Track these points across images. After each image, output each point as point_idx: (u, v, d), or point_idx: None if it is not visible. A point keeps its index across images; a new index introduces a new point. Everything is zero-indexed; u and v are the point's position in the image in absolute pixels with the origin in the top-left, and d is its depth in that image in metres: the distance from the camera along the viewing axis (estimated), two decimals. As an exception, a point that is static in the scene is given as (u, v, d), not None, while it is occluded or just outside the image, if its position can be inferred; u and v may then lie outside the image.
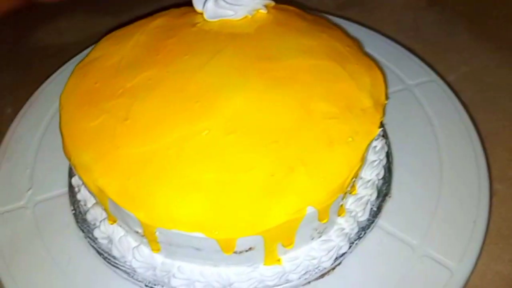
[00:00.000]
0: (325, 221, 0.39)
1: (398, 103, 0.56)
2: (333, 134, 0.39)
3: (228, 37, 0.47)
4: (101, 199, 0.39)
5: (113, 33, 0.51)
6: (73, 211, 0.47)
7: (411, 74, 0.60)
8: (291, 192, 0.36)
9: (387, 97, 0.43)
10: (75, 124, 0.41)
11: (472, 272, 0.44)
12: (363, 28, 0.65)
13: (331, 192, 0.37)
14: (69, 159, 0.40)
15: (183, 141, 0.38)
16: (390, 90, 0.58)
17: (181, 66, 0.44)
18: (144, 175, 0.37)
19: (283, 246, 0.39)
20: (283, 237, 0.38)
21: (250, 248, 0.37)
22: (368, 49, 0.62)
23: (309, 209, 0.36)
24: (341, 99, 0.42)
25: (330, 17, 0.68)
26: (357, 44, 0.48)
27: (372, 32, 0.65)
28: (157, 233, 0.37)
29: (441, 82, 0.59)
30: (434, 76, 0.60)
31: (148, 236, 0.38)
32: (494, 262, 0.54)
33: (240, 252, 0.37)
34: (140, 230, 0.38)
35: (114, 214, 0.40)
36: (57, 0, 0.70)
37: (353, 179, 0.39)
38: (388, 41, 0.65)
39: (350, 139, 0.39)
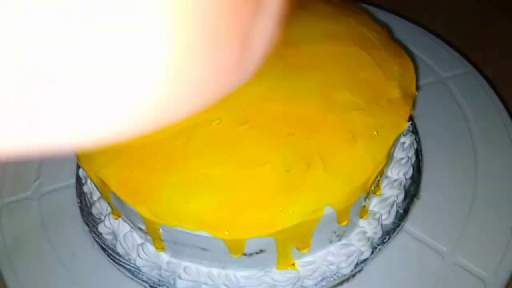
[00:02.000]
0: (345, 223, 0.35)
1: (430, 96, 0.51)
2: (356, 127, 0.35)
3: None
4: (103, 192, 0.36)
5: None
6: (79, 204, 0.45)
7: (445, 66, 0.55)
8: (308, 190, 0.33)
9: (417, 88, 0.39)
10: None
11: (508, 285, 0.40)
12: (391, 15, 0.61)
13: (352, 191, 0.33)
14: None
15: (191, 131, 0.35)
16: (422, 82, 0.53)
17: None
18: (149, 167, 0.34)
19: (298, 249, 0.35)
20: (297, 239, 0.35)
21: (261, 251, 0.34)
22: (397, 37, 0.58)
23: (327, 210, 0.33)
24: (366, 88, 0.38)
25: (357, 3, 0.64)
26: (386, 30, 0.44)
27: (402, 20, 0.60)
28: (160, 231, 0.34)
29: (477, 74, 0.54)
30: (470, 68, 0.55)
31: (152, 234, 0.35)
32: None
33: (250, 254, 0.34)
34: (143, 227, 0.35)
35: (118, 208, 0.37)
36: None
37: (378, 178, 0.35)
38: (420, 29, 0.60)
39: (375, 133, 0.35)
